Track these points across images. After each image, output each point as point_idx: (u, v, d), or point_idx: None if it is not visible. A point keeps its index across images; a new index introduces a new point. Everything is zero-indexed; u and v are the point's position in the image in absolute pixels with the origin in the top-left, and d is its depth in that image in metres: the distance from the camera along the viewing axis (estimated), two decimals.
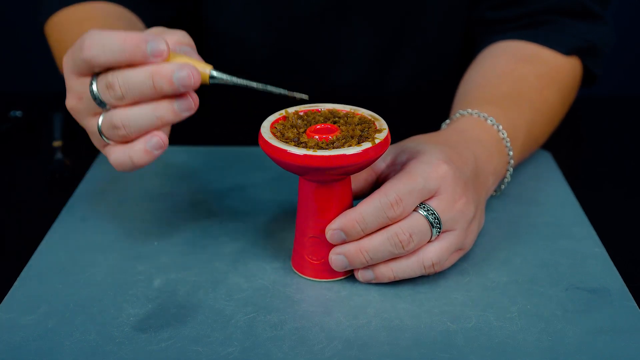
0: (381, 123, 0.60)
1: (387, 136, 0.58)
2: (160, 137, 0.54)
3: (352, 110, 0.62)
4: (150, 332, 0.57)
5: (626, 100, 1.12)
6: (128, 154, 0.54)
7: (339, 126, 0.60)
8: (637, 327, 0.58)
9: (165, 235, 0.69)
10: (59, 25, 0.86)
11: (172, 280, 0.63)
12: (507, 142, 0.71)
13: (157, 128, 0.54)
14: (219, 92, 1.01)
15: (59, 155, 0.85)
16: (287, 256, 0.66)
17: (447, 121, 0.74)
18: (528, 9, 0.86)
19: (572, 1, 0.85)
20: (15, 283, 0.62)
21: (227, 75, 0.54)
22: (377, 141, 0.57)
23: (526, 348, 0.55)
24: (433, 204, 0.59)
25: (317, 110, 0.62)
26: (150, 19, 0.87)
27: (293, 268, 0.64)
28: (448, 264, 0.62)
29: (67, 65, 0.55)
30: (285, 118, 0.61)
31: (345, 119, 0.61)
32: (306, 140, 0.57)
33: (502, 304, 0.60)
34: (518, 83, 0.79)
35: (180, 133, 0.76)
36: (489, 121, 0.71)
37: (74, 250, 0.67)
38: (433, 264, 0.60)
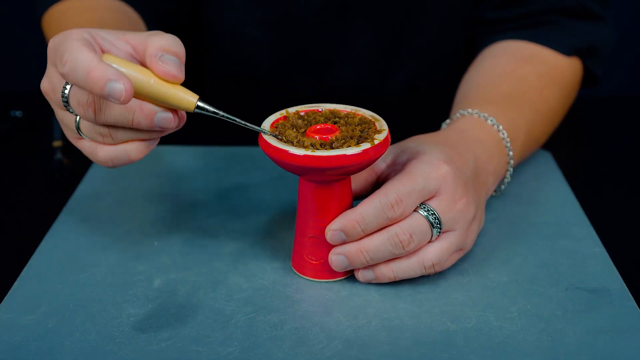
0: (381, 124, 0.60)
1: (386, 137, 0.58)
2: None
3: (353, 111, 0.62)
4: (150, 332, 0.57)
5: (626, 100, 1.12)
6: (124, 148, 0.54)
7: (339, 126, 0.59)
8: (637, 327, 0.58)
9: (165, 235, 0.69)
10: (56, 18, 0.85)
11: (172, 280, 0.63)
12: (507, 142, 0.71)
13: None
14: (220, 92, 1.01)
15: (58, 155, 0.85)
16: (287, 256, 0.66)
17: (448, 121, 0.73)
18: (528, 9, 0.86)
19: (573, 1, 0.85)
20: (15, 283, 0.62)
21: (212, 107, 0.54)
22: (376, 142, 0.57)
23: (526, 348, 0.55)
24: (433, 204, 0.59)
25: (318, 111, 0.62)
26: (148, 12, 0.87)
27: (293, 268, 0.64)
28: (448, 264, 0.62)
29: (50, 53, 0.53)
30: (285, 118, 0.61)
31: (346, 119, 0.61)
32: (305, 139, 0.57)
33: (502, 304, 0.60)
34: (518, 83, 0.79)
35: (180, 133, 0.76)
36: (489, 121, 0.71)
37: (74, 250, 0.67)
38: (433, 264, 0.60)
